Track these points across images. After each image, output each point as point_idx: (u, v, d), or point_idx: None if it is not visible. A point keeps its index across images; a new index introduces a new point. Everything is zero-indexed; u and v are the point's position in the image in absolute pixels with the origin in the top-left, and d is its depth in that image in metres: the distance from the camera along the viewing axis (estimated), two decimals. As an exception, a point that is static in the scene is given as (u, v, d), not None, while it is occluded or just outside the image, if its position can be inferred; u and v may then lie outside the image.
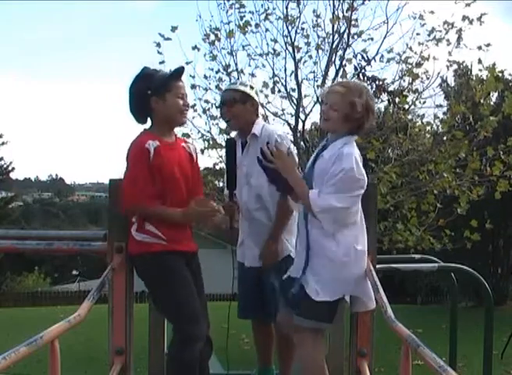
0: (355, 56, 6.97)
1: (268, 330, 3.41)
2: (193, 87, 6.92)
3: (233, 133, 3.58)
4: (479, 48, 6.71)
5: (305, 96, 7.02)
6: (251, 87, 3.36)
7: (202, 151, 6.94)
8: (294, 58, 7.05)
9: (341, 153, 2.63)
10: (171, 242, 2.81)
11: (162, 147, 2.82)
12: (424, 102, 7.07)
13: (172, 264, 2.79)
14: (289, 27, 6.96)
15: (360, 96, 2.67)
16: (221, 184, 7.06)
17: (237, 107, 3.27)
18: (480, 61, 6.71)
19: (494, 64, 6.65)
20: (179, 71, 2.90)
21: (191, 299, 2.77)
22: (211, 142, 7.02)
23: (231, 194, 3.14)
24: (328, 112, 2.71)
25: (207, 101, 7.05)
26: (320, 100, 3.10)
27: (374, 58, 6.92)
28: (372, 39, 6.90)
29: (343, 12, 6.86)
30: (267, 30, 6.96)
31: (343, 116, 2.67)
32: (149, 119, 2.95)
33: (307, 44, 7.00)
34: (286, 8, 6.93)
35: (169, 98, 2.83)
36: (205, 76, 7.03)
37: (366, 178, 2.68)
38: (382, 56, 6.91)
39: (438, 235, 6.98)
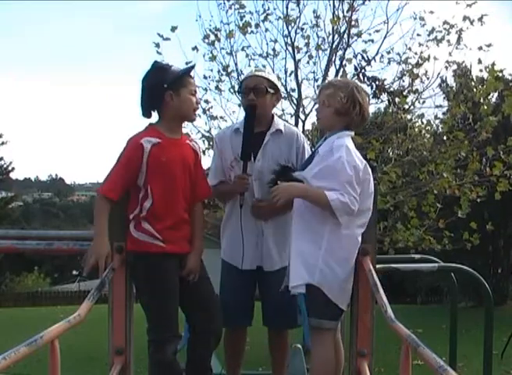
0: (355, 56, 6.98)
1: (245, 336, 3.29)
2: (193, 87, 6.92)
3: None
4: (480, 48, 6.72)
5: (306, 97, 7.05)
6: (278, 79, 3.20)
7: (204, 152, 6.94)
8: (294, 59, 7.06)
9: (331, 147, 2.70)
10: (166, 243, 2.80)
11: (165, 142, 2.81)
12: (424, 102, 7.09)
13: (163, 269, 2.80)
14: (289, 27, 6.97)
15: (346, 89, 2.76)
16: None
17: (267, 97, 3.06)
18: (480, 61, 6.72)
19: (493, 64, 6.66)
20: (193, 67, 2.94)
21: (170, 309, 2.81)
22: (210, 142, 7.03)
23: (245, 166, 3.02)
24: (321, 109, 2.83)
25: (207, 102, 7.06)
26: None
27: (374, 58, 6.94)
28: (372, 41, 6.92)
29: (343, 13, 6.87)
30: (267, 30, 6.99)
31: (334, 111, 2.76)
32: (154, 114, 2.92)
33: (307, 44, 7.02)
34: (286, 8, 6.95)
35: (184, 93, 2.82)
36: (205, 77, 7.05)
37: (363, 165, 2.71)
38: (382, 56, 6.92)
39: (438, 236, 6.98)
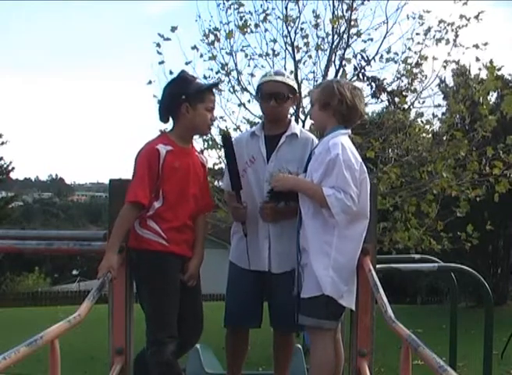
0: (355, 56, 6.98)
1: (247, 337, 3.28)
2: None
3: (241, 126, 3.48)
4: (476, 46, 6.73)
5: (305, 96, 7.04)
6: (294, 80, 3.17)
7: (202, 152, 6.93)
8: (294, 59, 7.06)
9: (328, 146, 2.72)
10: (171, 243, 2.84)
11: (177, 151, 2.88)
12: (423, 102, 7.09)
13: (166, 268, 2.83)
14: (289, 27, 6.98)
15: (323, 84, 2.97)
16: (220, 184, 7.05)
17: (287, 103, 3.08)
18: (478, 59, 6.73)
19: (491, 61, 6.66)
20: (215, 85, 2.99)
21: (171, 308, 2.83)
22: (210, 142, 7.03)
23: (239, 196, 3.03)
24: (311, 111, 2.95)
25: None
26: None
27: (374, 58, 6.94)
28: (372, 40, 6.93)
29: (342, 12, 6.88)
30: (266, 30, 6.99)
31: (318, 106, 2.84)
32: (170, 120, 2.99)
33: (306, 44, 7.02)
34: (286, 8, 6.95)
35: (200, 108, 2.90)
36: (205, 77, 7.04)
37: (358, 165, 2.72)
38: (382, 56, 6.93)
39: (437, 236, 6.98)
